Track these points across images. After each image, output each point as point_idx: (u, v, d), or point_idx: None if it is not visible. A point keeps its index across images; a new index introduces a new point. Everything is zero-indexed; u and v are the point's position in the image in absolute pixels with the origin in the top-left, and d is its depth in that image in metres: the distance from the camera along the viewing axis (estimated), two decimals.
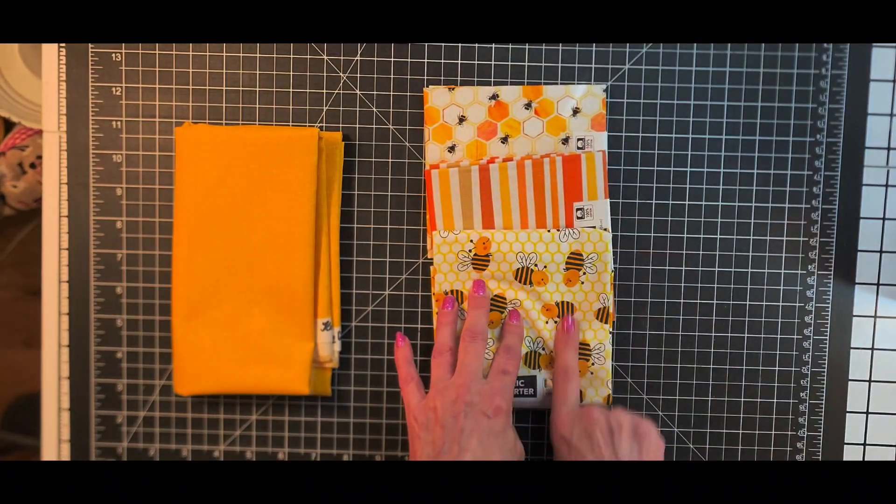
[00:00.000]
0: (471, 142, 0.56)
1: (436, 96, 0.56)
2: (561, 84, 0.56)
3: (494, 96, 0.56)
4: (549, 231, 0.56)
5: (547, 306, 0.57)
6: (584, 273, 0.56)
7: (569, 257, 0.56)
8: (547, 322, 0.57)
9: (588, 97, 0.56)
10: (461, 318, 0.57)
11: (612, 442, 0.49)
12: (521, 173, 0.56)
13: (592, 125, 0.56)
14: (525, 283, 0.56)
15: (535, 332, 0.57)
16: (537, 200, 0.56)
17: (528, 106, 0.56)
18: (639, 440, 0.50)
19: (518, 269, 0.56)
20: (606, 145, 0.56)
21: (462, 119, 0.56)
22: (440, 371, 0.54)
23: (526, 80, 0.56)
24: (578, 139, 0.56)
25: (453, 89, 0.56)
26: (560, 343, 0.56)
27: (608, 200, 0.56)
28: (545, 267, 0.56)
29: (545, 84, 0.56)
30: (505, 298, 0.57)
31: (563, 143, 0.56)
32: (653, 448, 0.50)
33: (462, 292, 0.57)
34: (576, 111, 0.56)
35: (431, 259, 0.57)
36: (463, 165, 0.56)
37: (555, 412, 0.54)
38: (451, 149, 0.56)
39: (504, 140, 0.56)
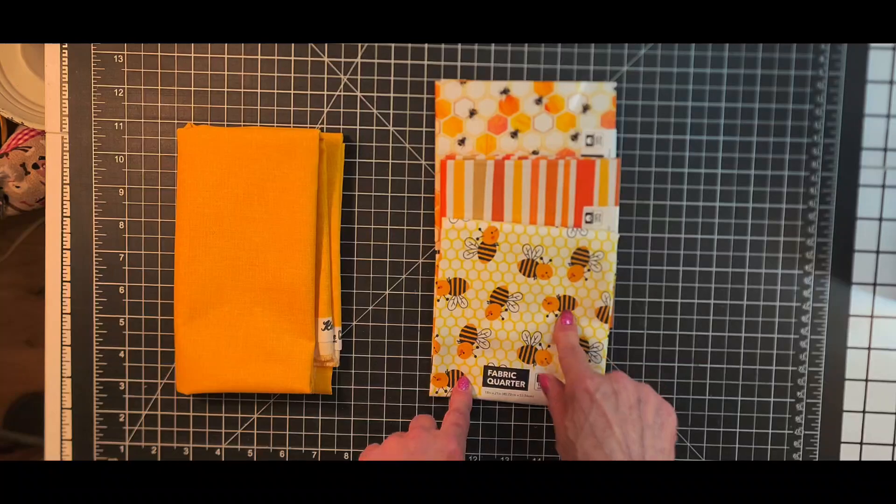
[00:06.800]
0: (481, 135, 0.57)
1: (447, 90, 0.56)
2: (572, 81, 0.57)
3: (505, 91, 0.56)
4: (556, 227, 0.56)
5: (548, 300, 0.57)
6: (589, 270, 0.56)
7: (575, 252, 0.56)
8: (547, 315, 0.57)
9: (598, 94, 0.56)
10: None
11: (639, 408, 0.48)
12: (535, 172, 0.56)
13: (602, 122, 0.56)
14: (529, 276, 0.57)
15: (534, 327, 0.57)
16: (548, 200, 0.57)
17: (538, 101, 0.56)
18: (662, 417, 0.48)
19: (523, 260, 0.57)
20: (615, 143, 0.57)
21: (473, 112, 0.57)
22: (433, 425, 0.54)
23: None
24: (587, 136, 0.56)
25: (465, 83, 0.56)
26: (559, 332, 0.56)
27: (617, 208, 0.57)
28: (550, 260, 0.57)
29: (556, 81, 0.57)
30: (507, 291, 0.57)
31: (572, 140, 0.56)
32: (671, 432, 0.49)
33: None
34: (586, 108, 0.56)
35: (437, 250, 0.57)
36: (478, 159, 0.56)
37: (575, 373, 0.52)
38: (462, 142, 0.57)
39: (514, 135, 0.57)
